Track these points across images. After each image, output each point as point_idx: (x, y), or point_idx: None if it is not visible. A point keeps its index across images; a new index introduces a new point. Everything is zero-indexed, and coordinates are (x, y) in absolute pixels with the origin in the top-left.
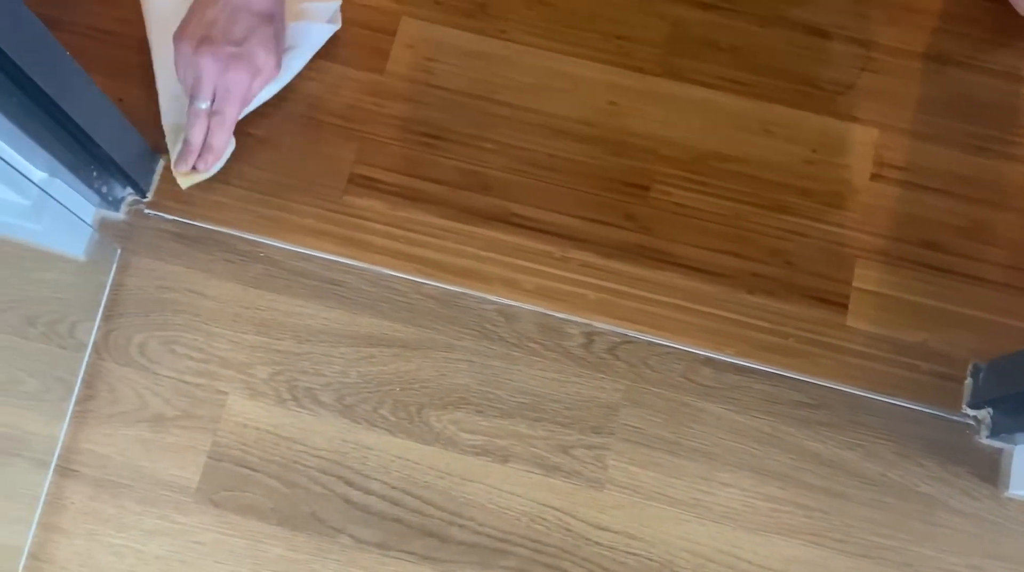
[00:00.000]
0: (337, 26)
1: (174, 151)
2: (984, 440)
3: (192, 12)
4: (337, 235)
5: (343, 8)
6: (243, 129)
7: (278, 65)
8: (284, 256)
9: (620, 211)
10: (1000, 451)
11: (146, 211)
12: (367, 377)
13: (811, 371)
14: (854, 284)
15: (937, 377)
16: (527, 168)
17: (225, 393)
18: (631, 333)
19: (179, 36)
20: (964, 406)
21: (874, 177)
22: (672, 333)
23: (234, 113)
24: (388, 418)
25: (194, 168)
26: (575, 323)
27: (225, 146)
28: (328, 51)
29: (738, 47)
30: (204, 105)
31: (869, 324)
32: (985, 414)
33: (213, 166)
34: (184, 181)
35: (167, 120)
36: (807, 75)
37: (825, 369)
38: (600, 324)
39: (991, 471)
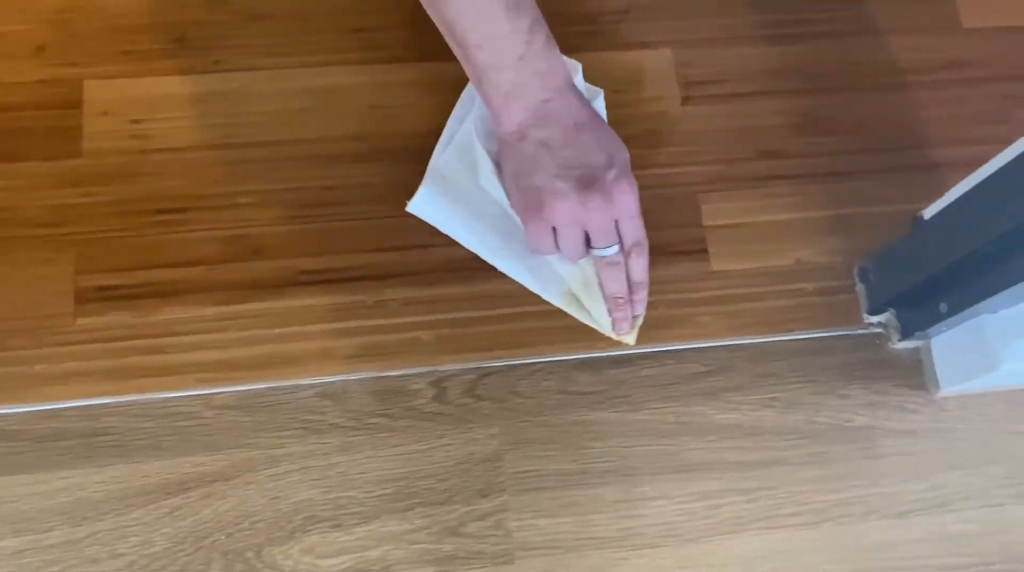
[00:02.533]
0: (600, 92)
1: (590, 318)
2: (899, 345)
3: (523, 181)
4: (83, 372)
5: None
6: None
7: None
8: (23, 423)
9: (427, 227)
10: (919, 350)
11: None
12: (179, 537)
13: (695, 335)
14: (705, 223)
15: (826, 294)
16: (302, 212)
17: None
18: (486, 364)
19: (535, 211)
20: (864, 316)
21: (685, 101)
22: (532, 347)
23: (644, 234)
24: None
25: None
26: (417, 375)
27: (646, 274)
28: (2, 149)
29: None
30: (613, 250)
31: (735, 262)
32: (889, 317)
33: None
34: (631, 337)
35: (552, 298)
36: (579, 12)
37: (709, 328)
38: (447, 366)
39: (918, 376)
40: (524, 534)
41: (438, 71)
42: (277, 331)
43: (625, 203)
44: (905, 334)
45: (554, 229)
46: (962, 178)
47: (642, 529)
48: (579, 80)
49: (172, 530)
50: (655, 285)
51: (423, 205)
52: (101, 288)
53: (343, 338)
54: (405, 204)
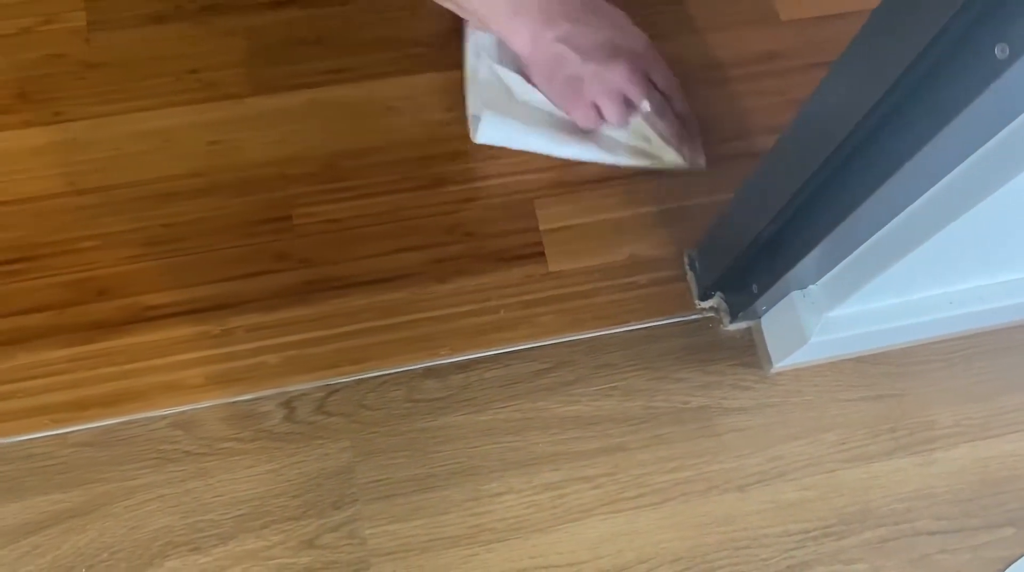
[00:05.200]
0: None
1: (667, 157)
2: (730, 327)
3: (555, 80)
4: None
5: None
6: None
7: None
8: None
9: (268, 253)
10: (750, 331)
11: None
12: None
13: (535, 335)
14: (541, 227)
15: (659, 284)
16: (143, 251)
17: None
18: (334, 380)
19: (580, 87)
20: (696, 302)
21: None
22: (378, 360)
23: (668, 74)
24: None
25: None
26: (266, 398)
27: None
28: None
29: (326, 35)
30: (645, 104)
31: (571, 261)
32: (718, 301)
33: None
34: (702, 159)
35: (621, 159)
36: (408, 37)
37: (548, 326)
38: (295, 386)
39: (750, 355)
40: (378, 540)
41: (275, 102)
42: (126, 367)
43: (646, 57)
44: (733, 316)
45: (596, 106)
46: None
47: (491, 524)
48: None
49: (34, 568)
50: (495, 290)
51: (490, 131)
52: None
53: (191, 368)
54: (251, 232)
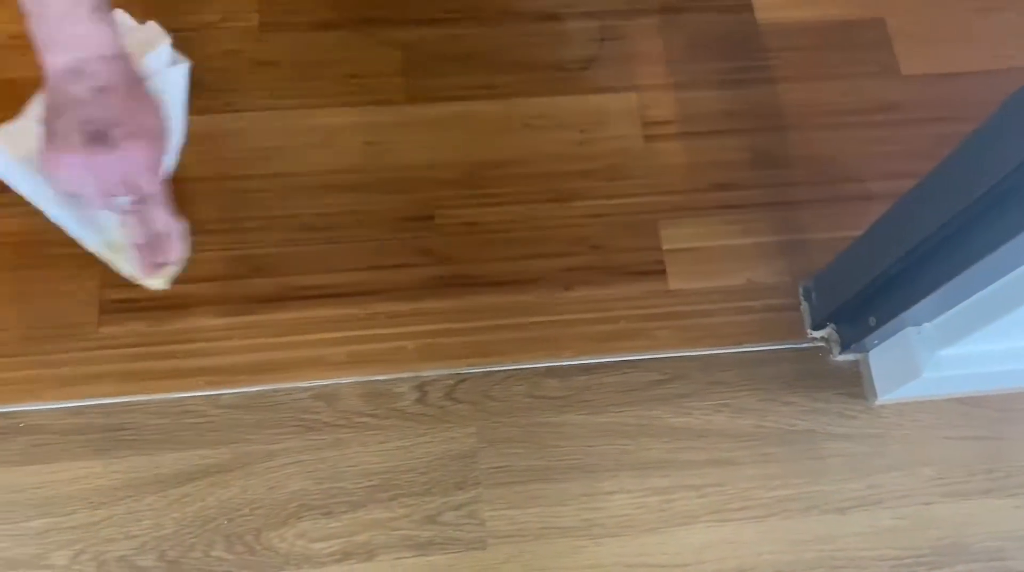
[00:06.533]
0: (186, 63)
1: (124, 265)
2: (839, 357)
3: (50, 123)
4: (105, 374)
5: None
6: None
7: (166, 124)
8: (50, 418)
9: (412, 248)
10: (857, 363)
11: None
12: (186, 521)
13: (653, 347)
14: (664, 247)
15: (773, 311)
16: (299, 235)
17: None
18: (463, 370)
19: (51, 152)
20: (808, 330)
21: (647, 139)
22: (504, 355)
23: (158, 189)
24: (225, 558)
25: (164, 264)
26: (401, 380)
27: (174, 224)
28: None
29: (474, 53)
30: (124, 201)
31: (691, 281)
32: (830, 331)
33: (181, 250)
34: (159, 282)
35: (92, 246)
36: (550, 60)
37: (665, 340)
38: (428, 372)
39: (856, 385)
40: (496, 523)
41: (426, 111)
42: (276, 340)
43: (135, 160)
44: (844, 347)
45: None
46: None
47: (602, 520)
48: (164, 51)
49: (181, 513)
50: (618, 302)
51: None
52: (122, 301)
53: (335, 346)
54: (397, 227)
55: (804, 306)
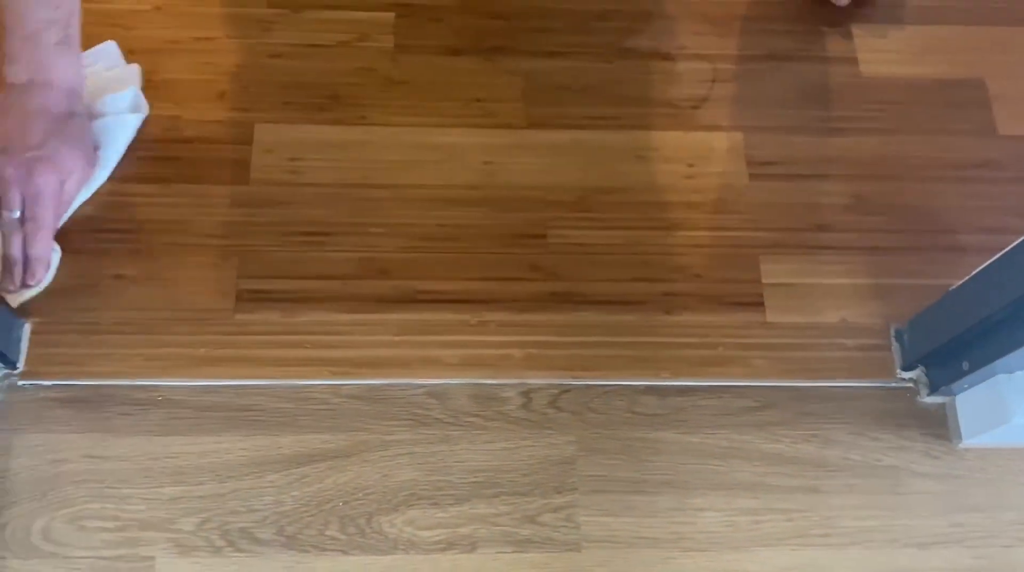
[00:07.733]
0: (143, 113)
1: None
2: (927, 399)
3: None
4: (237, 358)
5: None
6: (113, 271)
7: (90, 162)
8: (185, 394)
9: (524, 263)
10: (944, 405)
11: (20, 383)
12: (304, 500)
13: (748, 374)
14: (763, 281)
15: (865, 350)
16: (421, 243)
17: (151, 557)
18: (567, 381)
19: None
20: (898, 371)
21: (752, 177)
22: (607, 371)
23: (49, 217)
24: (338, 538)
25: (25, 285)
26: (509, 385)
27: (49, 254)
28: (187, 173)
29: (591, 86)
30: (15, 214)
31: (788, 315)
32: (919, 373)
33: (44, 278)
34: (14, 299)
35: None
36: (662, 98)
37: (760, 369)
38: (534, 380)
39: (942, 427)
40: (590, 528)
41: (543, 137)
42: (396, 338)
43: (37, 184)
44: (933, 389)
45: None
46: (986, 261)
47: (691, 534)
48: (128, 95)
49: (300, 493)
50: (716, 329)
51: None
52: (258, 291)
53: (449, 349)
54: (511, 243)
55: (895, 347)
